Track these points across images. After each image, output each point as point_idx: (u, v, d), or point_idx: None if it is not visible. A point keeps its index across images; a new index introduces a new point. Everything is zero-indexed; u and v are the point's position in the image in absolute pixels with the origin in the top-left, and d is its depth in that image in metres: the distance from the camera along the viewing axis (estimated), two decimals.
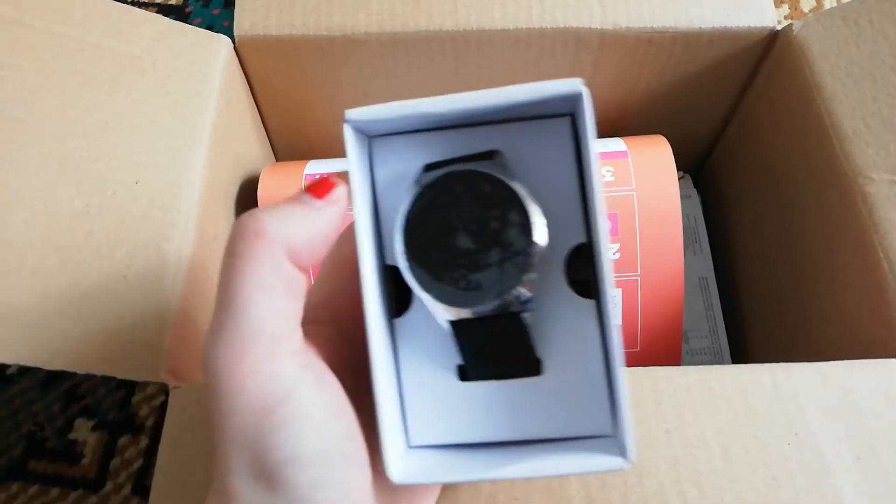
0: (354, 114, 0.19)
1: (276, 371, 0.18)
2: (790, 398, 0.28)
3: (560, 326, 0.20)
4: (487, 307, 0.19)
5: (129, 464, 0.45)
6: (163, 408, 0.28)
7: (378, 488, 0.20)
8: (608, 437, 0.20)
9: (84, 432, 0.46)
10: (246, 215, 0.19)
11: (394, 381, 0.21)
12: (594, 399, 0.20)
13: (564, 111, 0.20)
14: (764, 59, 0.41)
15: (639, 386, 0.28)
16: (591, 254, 0.20)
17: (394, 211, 0.21)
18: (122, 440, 0.46)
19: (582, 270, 0.20)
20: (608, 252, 0.18)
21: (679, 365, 0.40)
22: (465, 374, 0.21)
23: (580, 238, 0.20)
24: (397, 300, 0.21)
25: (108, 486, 0.45)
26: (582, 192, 0.20)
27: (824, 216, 0.37)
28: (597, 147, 0.18)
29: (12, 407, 0.47)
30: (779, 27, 0.39)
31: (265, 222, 0.18)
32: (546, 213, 0.19)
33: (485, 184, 0.19)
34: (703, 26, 0.38)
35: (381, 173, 0.21)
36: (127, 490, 0.44)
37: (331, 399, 0.19)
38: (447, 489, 0.26)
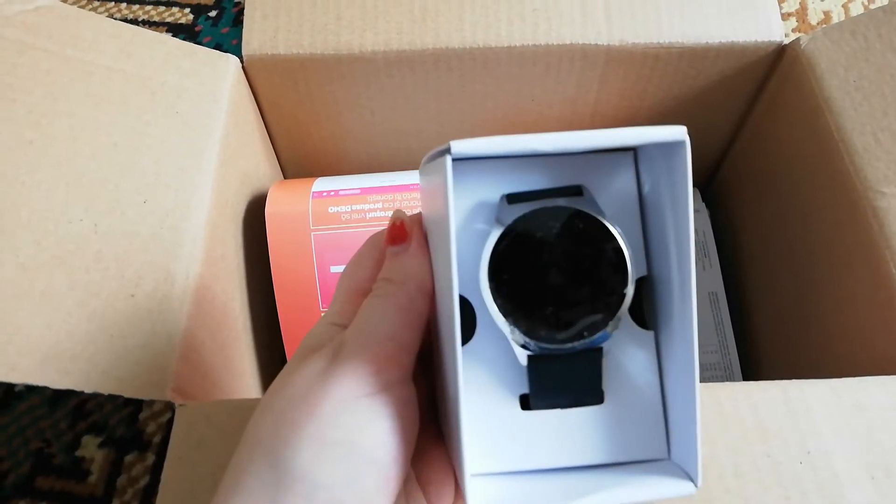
0: (460, 146, 0.18)
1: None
2: (803, 415, 0.27)
3: (620, 356, 0.21)
4: (578, 346, 0.19)
5: (136, 481, 0.45)
6: (170, 425, 0.28)
7: None
8: (664, 461, 0.21)
9: (91, 449, 0.46)
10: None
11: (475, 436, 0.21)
12: (651, 425, 0.21)
13: (630, 146, 0.21)
14: (772, 73, 0.40)
15: None
16: (653, 286, 0.21)
17: (466, 238, 0.21)
18: (129, 457, 0.46)
19: (642, 302, 0.21)
20: (693, 284, 0.18)
21: None
22: (527, 403, 0.21)
23: (642, 271, 0.21)
24: (462, 329, 0.21)
25: (115, 503, 0.44)
26: (644, 224, 0.21)
27: (834, 231, 0.36)
28: (691, 189, 0.18)
29: (20, 424, 0.47)
30: (786, 41, 0.38)
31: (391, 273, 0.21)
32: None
33: (579, 221, 0.19)
34: (709, 41, 0.38)
35: (460, 198, 0.21)
36: None
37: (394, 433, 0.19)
38: None
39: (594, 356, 0.19)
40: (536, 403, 0.20)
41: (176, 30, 0.62)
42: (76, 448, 0.46)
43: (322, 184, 0.40)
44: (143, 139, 0.34)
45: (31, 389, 0.48)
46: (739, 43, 0.38)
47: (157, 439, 0.46)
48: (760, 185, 0.44)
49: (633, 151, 0.21)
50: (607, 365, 0.21)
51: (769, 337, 0.44)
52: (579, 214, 0.19)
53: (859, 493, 0.26)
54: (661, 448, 0.21)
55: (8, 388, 0.48)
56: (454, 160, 0.19)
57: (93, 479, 0.45)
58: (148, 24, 0.62)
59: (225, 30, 0.62)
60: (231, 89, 0.37)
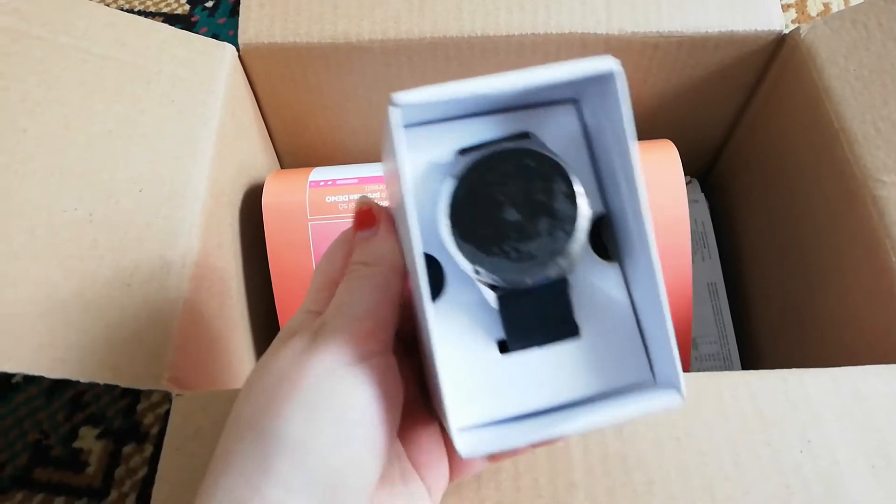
0: (403, 97, 0.19)
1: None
2: (803, 404, 0.27)
3: (589, 290, 0.21)
4: (541, 275, 0.19)
5: (134, 472, 0.45)
6: (168, 416, 0.28)
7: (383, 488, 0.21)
8: (649, 384, 0.21)
9: (89, 441, 0.46)
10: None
11: (454, 381, 0.21)
12: (630, 350, 0.21)
13: (571, 97, 0.22)
14: (771, 63, 0.40)
15: None
16: (611, 222, 0.21)
17: (427, 199, 0.21)
18: (127, 449, 0.46)
19: (600, 239, 0.22)
20: (645, 210, 0.19)
21: (688, 371, 0.39)
22: (505, 346, 0.21)
23: (599, 209, 0.22)
24: (431, 287, 0.22)
25: (113, 494, 0.44)
26: (594, 167, 0.22)
27: (834, 220, 0.36)
28: (630, 114, 0.19)
29: (17, 415, 0.47)
30: (786, 31, 0.38)
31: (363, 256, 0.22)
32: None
33: (528, 159, 0.20)
34: (709, 31, 0.38)
35: (414, 164, 0.22)
36: (132, 499, 0.44)
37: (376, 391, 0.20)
38: (449, 494, 0.26)
39: (560, 286, 0.20)
40: (513, 344, 0.21)
41: (172, 20, 0.61)
42: (74, 440, 0.46)
43: (319, 173, 0.40)
44: (139, 128, 0.34)
45: (28, 381, 0.48)
46: (739, 32, 0.38)
47: (154, 430, 0.46)
48: (760, 175, 0.44)
49: (573, 102, 0.22)
50: (580, 299, 0.21)
51: (769, 327, 0.44)
52: (527, 153, 0.20)
53: (859, 481, 0.26)
54: (644, 372, 0.21)
55: (5, 379, 0.48)
56: (410, 123, 0.21)
57: (91, 470, 0.45)
58: (144, 14, 0.61)
59: (221, 20, 0.62)
60: (227, 78, 0.37)
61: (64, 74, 0.33)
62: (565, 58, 0.39)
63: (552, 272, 0.20)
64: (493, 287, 0.20)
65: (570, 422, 0.19)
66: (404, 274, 0.22)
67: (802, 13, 0.61)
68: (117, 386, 0.47)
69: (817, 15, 0.60)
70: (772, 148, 0.42)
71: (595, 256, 0.22)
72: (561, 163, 0.20)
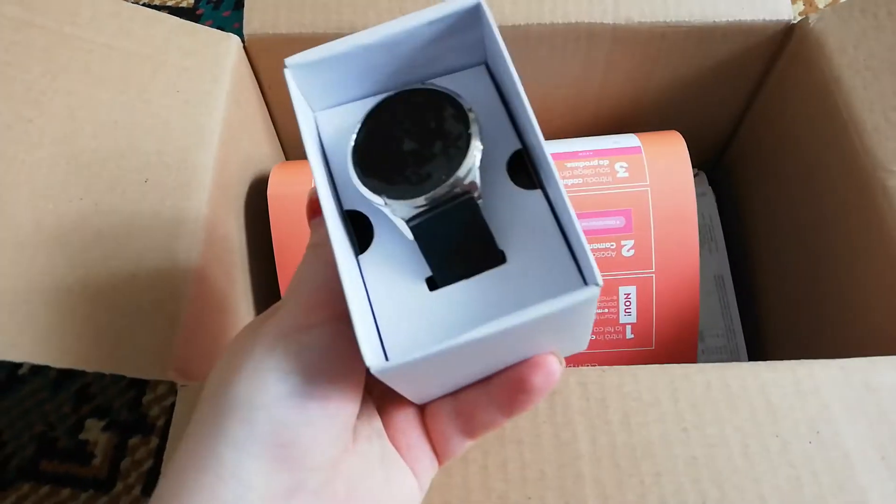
0: (295, 59, 0.20)
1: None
2: (812, 395, 0.27)
3: (514, 219, 0.22)
4: (442, 190, 0.20)
5: (140, 464, 0.45)
6: (174, 408, 0.28)
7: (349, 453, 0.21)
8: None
9: (95, 433, 0.46)
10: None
11: (368, 309, 0.21)
12: (561, 268, 0.21)
13: (479, 61, 0.23)
14: (780, 52, 0.40)
15: (655, 383, 0.28)
16: (527, 154, 0.22)
17: (344, 162, 0.22)
18: (133, 440, 0.46)
19: (523, 172, 0.22)
20: (533, 125, 0.20)
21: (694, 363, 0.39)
22: (434, 282, 0.21)
23: (516, 145, 0.22)
24: (362, 240, 0.22)
25: (119, 486, 0.44)
26: (507, 111, 0.22)
27: (844, 211, 0.36)
28: (505, 48, 0.20)
29: (24, 407, 0.47)
30: (794, 21, 0.38)
31: (315, 241, 0.22)
32: (482, 132, 0.21)
33: (419, 97, 0.21)
34: (717, 20, 0.38)
35: (327, 134, 0.23)
36: (137, 490, 0.44)
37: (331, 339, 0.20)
38: (455, 485, 0.25)
39: (468, 204, 0.20)
40: (440, 277, 0.21)
41: (177, 13, 0.61)
42: (80, 431, 0.46)
43: None
44: (144, 118, 0.34)
45: (34, 373, 0.48)
46: (747, 22, 0.38)
47: (160, 423, 0.46)
48: (768, 167, 0.44)
49: (485, 65, 0.23)
50: (504, 226, 0.21)
51: (776, 320, 0.44)
52: (418, 92, 0.21)
53: (869, 472, 0.26)
54: (576, 284, 0.21)
55: (11, 371, 0.48)
56: (328, 106, 0.22)
57: (97, 462, 0.45)
58: (149, 7, 0.61)
59: (226, 13, 0.62)
60: (232, 69, 0.37)
61: (69, 64, 0.33)
62: (572, 49, 0.39)
63: (452, 187, 0.20)
64: (407, 221, 0.20)
65: (483, 326, 0.18)
66: None
67: (810, 5, 0.60)
68: (123, 378, 0.48)
69: (825, 6, 0.60)
70: (780, 139, 0.42)
71: (515, 187, 0.22)
72: (449, 92, 0.21)
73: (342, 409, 0.20)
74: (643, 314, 0.38)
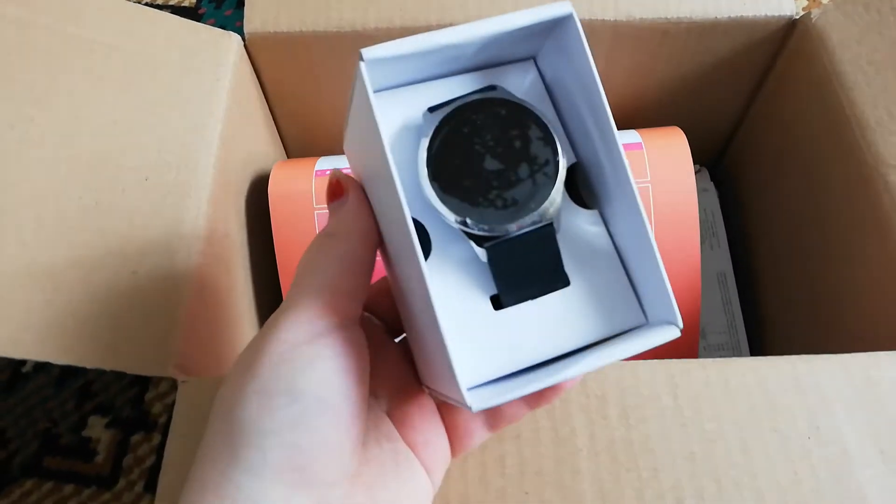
0: (372, 52, 0.18)
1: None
2: (812, 391, 0.27)
3: (572, 238, 0.21)
4: (528, 220, 0.19)
5: (142, 461, 0.45)
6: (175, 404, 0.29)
7: (363, 465, 0.21)
8: (643, 326, 0.21)
9: (98, 430, 0.46)
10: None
11: (458, 338, 0.21)
12: (621, 295, 0.21)
13: (529, 55, 0.22)
14: (782, 48, 0.40)
15: (655, 378, 0.28)
16: (584, 170, 0.22)
17: (401, 161, 0.21)
18: (136, 437, 0.46)
19: (579, 187, 0.22)
20: (621, 155, 0.19)
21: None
22: (498, 301, 0.21)
23: (571, 158, 0.22)
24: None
25: (122, 482, 0.45)
26: (560, 118, 0.22)
27: (846, 207, 0.36)
28: (594, 64, 0.19)
29: (27, 404, 0.47)
30: (797, 16, 0.38)
31: (331, 229, 0.21)
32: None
33: (500, 108, 0.20)
34: (718, 16, 0.38)
35: (385, 124, 0.21)
36: (140, 487, 0.44)
37: (345, 365, 0.20)
38: (453, 480, 0.26)
39: (547, 232, 0.20)
40: (507, 298, 0.20)
41: (179, 13, 0.61)
42: (83, 428, 0.46)
43: (325, 163, 0.40)
44: (145, 117, 0.34)
45: (38, 370, 0.48)
46: (749, 17, 0.38)
47: (163, 419, 0.47)
48: (770, 163, 0.44)
49: (532, 59, 0.22)
50: (566, 248, 0.21)
51: (778, 317, 0.44)
52: (498, 102, 0.20)
53: (868, 468, 0.26)
54: (637, 315, 0.21)
55: (15, 368, 0.48)
56: (378, 88, 0.21)
57: (99, 458, 0.45)
58: (151, 6, 0.61)
59: (228, 12, 0.62)
60: (233, 67, 0.37)
61: (70, 63, 0.33)
62: None
63: (538, 217, 0.20)
64: (481, 240, 0.20)
65: (573, 366, 0.19)
66: (375, 245, 0.21)
67: (814, 0, 0.60)
68: (126, 375, 0.48)
69: (828, 1, 0.59)
70: (783, 135, 0.42)
71: (573, 204, 0.22)
72: (533, 108, 0.20)
73: (354, 424, 0.20)
74: None
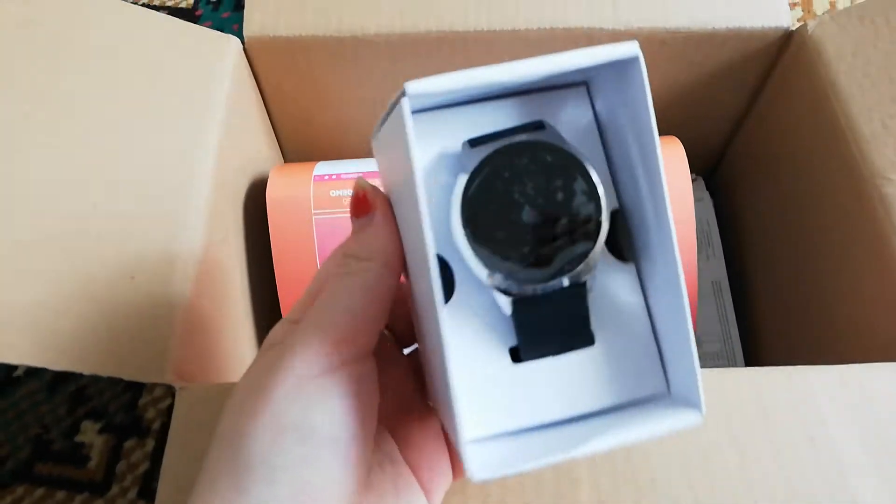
0: (416, 87, 0.17)
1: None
2: (807, 401, 0.27)
3: (604, 292, 0.20)
4: (559, 282, 0.18)
5: (136, 467, 0.45)
6: (170, 411, 0.28)
7: (364, 491, 0.20)
8: (664, 397, 0.20)
9: (91, 435, 0.46)
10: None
11: (468, 402, 0.20)
12: (646, 360, 0.20)
13: (580, 80, 0.20)
14: (778, 59, 0.40)
15: None
16: (626, 218, 0.20)
17: (433, 192, 0.20)
18: (129, 443, 0.46)
19: (617, 236, 0.20)
20: (668, 208, 0.18)
21: None
22: (517, 355, 0.20)
23: (613, 204, 0.20)
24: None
25: (115, 489, 0.44)
26: (607, 157, 0.20)
27: (841, 218, 0.36)
28: (652, 108, 0.18)
29: (19, 409, 0.47)
30: (793, 27, 0.38)
31: (355, 249, 0.20)
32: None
33: (546, 154, 0.18)
34: (716, 27, 0.38)
35: (419, 149, 0.20)
36: (133, 493, 0.44)
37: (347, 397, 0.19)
38: (453, 492, 0.25)
39: (579, 292, 0.19)
40: (527, 353, 0.20)
41: (176, 14, 0.61)
42: (75, 434, 0.46)
43: (323, 167, 0.40)
44: (143, 119, 0.34)
45: (30, 375, 0.48)
46: (746, 28, 0.38)
47: (156, 425, 0.46)
48: (766, 173, 0.44)
49: (585, 86, 0.21)
50: (595, 303, 0.20)
51: (773, 327, 0.44)
52: (544, 146, 0.18)
53: (863, 479, 0.26)
54: (659, 383, 0.20)
55: (7, 373, 0.48)
56: (414, 109, 0.19)
57: (92, 464, 0.45)
58: (148, 7, 0.61)
59: (226, 14, 0.62)
60: (232, 71, 0.37)
61: (69, 64, 0.33)
62: None
63: (571, 278, 0.18)
64: (506, 292, 0.19)
65: (584, 444, 0.17)
66: (400, 269, 0.21)
67: (808, 12, 0.60)
68: (120, 380, 0.48)
69: (823, 14, 0.60)
70: (778, 145, 0.42)
71: (609, 256, 0.20)
72: (580, 158, 0.18)
73: (361, 461, 0.19)
74: None
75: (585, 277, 0.19)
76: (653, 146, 0.18)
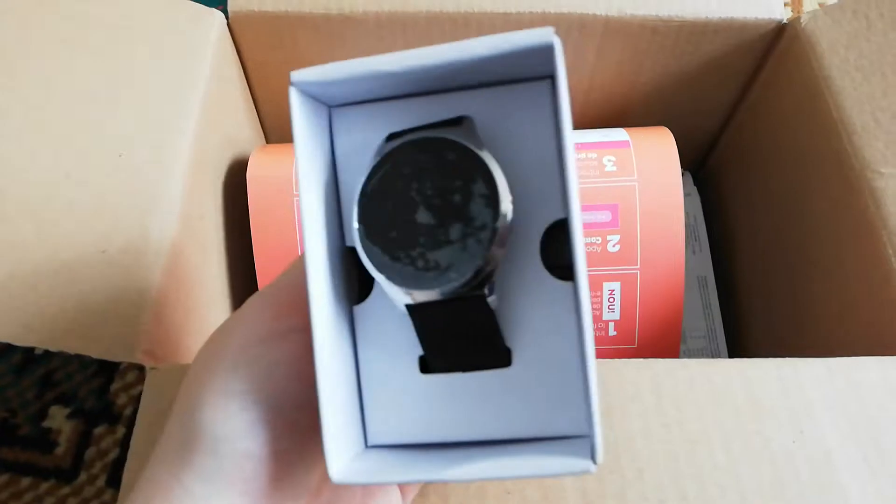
0: (301, 75, 0.17)
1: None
2: (796, 393, 0.27)
3: (532, 312, 0.19)
4: (447, 288, 0.17)
5: (105, 454, 0.44)
6: (142, 393, 0.27)
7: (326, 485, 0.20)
8: (582, 438, 0.18)
9: (59, 420, 0.45)
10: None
11: (352, 374, 0.19)
12: (567, 395, 0.18)
13: (543, 73, 0.18)
14: (770, 51, 0.40)
15: (638, 378, 0.27)
16: (569, 231, 0.18)
17: (355, 186, 0.19)
18: (99, 430, 0.44)
19: (558, 250, 0.18)
20: (580, 225, 0.16)
21: None
22: (426, 365, 0.19)
23: (558, 214, 0.18)
24: (359, 285, 0.20)
25: (82, 476, 0.43)
26: (561, 164, 0.18)
27: (831, 211, 0.36)
28: (569, 110, 0.16)
29: None
30: (786, 20, 0.38)
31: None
32: (520, 187, 0.18)
33: (449, 152, 0.17)
34: (709, 16, 0.37)
35: (342, 145, 0.19)
36: (101, 481, 0.43)
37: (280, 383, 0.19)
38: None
39: (480, 304, 0.17)
40: (433, 363, 0.19)
41: None
42: (43, 419, 0.45)
43: None
44: (121, 90, 0.32)
45: None
46: (739, 19, 0.38)
47: (127, 412, 0.45)
48: (755, 166, 0.44)
49: (550, 80, 0.19)
50: (520, 322, 0.18)
51: (758, 322, 0.44)
52: (450, 144, 0.17)
53: (851, 472, 0.25)
54: (578, 422, 0.18)
55: None
56: (341, 104, 0.19)
57: (60, 450, 0.44)
58: None
59: None
60: (215, 45, 0.36)
61: (46, 31, 0.32)
62: (563, 38, 0.39)
63: (463, 286, 0.17)
64: (402, 296, 0.18)
65: (458, 467, 0.16)
66: None
67: (798, 11, 0.60)
68: (90, 365, 0.46)
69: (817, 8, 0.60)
70: (769, 138, 0.42)
71: (544, 272, 0.18)
72: (486, 159, 0.17)
73: (314, 437, 0.19)
74: (627, 311, 0.37)
75: (482, 288, 0.17)
76: (564, 147, 0.16)
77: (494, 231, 0.17)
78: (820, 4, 0.61)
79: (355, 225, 0.18)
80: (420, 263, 0.17)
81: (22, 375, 0.46)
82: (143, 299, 0.29)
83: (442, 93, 0.19)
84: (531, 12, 0.37)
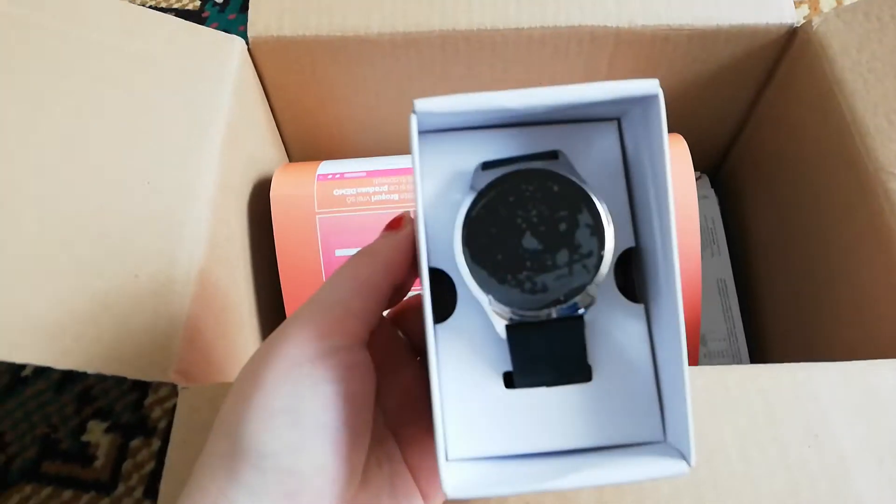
0: (425, 105, 0.18)
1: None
2: (811, 399, 0.27)
3: (608, 331, 0.20)
4: (553, 310, 0.18)
5: (142, 466, 0.45)
6: (175, 410, 0.28)
7: (359, 487, 0.21)
8: (659, 443, 0.20)
9: (97, 434, 0.46)
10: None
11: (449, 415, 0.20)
12: (643, 405, 0.20)
13: (612, 116, 0.20)
14: (783, 56, 0.40)
15: None
16: (641, 257, 0.20)
17: (442, 211, 0.20)
18: (135, 443, 0.46)
19: (629, 275, 0.20)
20: (674, 251, 0.17)
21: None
22: (511, 381, 0.20)
23: (629, 242, 0.20)
24: (440, 305, 0.21)
25: (121, 488, 0.45)
26: (629, 195, 0.20)
27: (846, 214, 0.36)
28: (668, 148, 0.18)
29: (27, 409, 0.47)
30: (803, 19, 0.38)
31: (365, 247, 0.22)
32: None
33: (554, 183, 0.19)
34: (720, 23, 0.38)
35: (428, 171, 0.21)
36: (139, 492, 0.44)
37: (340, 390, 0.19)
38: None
39: (575, 325, 0.19)
40: (520, 380, 0.20)
41: (183, 16, 0.61)
42: (82, 433, 0.46)
43: (327, 167, 0.40)
44: (147, 119, 0.34)
45: (37, 375, 0.48)
46: (750, 25, 0.38)
47: (162, 425, 0.46)
48: (771, 170, 0.44)
49: (616, 121, 0.21)
50: (598, 341, 0.20)
51: (778, 324, 0.44)
52: (553, 176, 0.19)
53: (866, 476, 0.26)
54: (655, 430, 0.20)
55: (14, 373, 0.48)
56: (425, 130, 0.20)
57: (98, 464, 0.45)
58: (155, 9, 0.62)
59: (232, 16, 0.62)
60: (236, 71, 0.37)
61: (73, 65, 0.33)
62: (575, 51, 0.39)
63: (567, 309, 0.18)
64: (502, 316, 0.19)
65: (563, 477, 0.17)
66: (397, 274, 0.21)
67: (815, 10, 0.60)
68: (126, 380, 0.48)
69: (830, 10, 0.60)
70: (783, 142, 0.42)
71: (618, 294, 0.20)
72: (588, 190, 0.19)
73: (354, 452, 0.19)
74: None
75: (582, 311, 0.19)
76: (665, 187, 0.18)
77: (601, 258, 0.18)
78: (838, 2, 0.60)
79: (459, 247, 0.19)
80: (527, 286, 0.18)
81: (61, 392, 0.47)
82: (174, 321, 0.30)
83: (521, 126, 0.21)
84: (542, 27, 0.38)
